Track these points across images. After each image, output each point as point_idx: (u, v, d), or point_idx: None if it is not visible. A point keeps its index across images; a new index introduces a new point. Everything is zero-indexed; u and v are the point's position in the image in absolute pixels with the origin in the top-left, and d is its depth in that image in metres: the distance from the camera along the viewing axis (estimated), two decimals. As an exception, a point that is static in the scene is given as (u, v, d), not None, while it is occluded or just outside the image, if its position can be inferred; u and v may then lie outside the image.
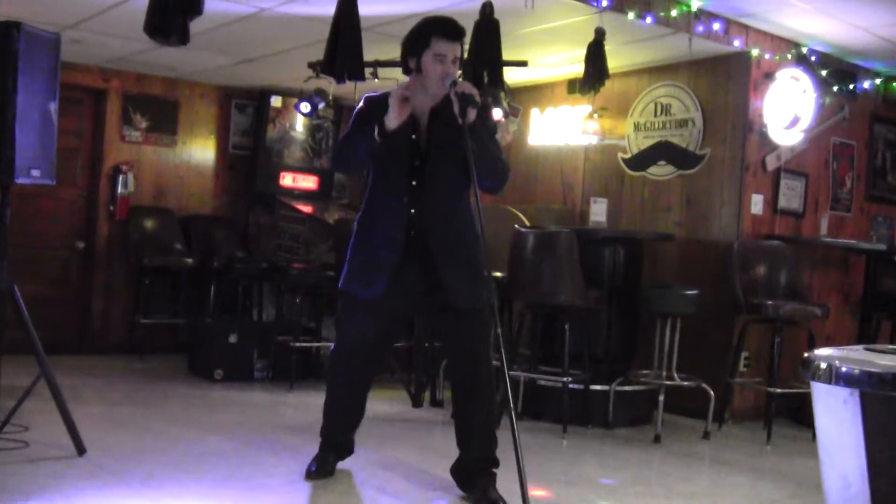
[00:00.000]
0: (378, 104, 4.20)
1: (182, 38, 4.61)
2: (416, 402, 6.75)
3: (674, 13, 6.14)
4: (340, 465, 4.60)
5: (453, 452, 4.36)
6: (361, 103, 4.31)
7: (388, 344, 4.91)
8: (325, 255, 8.28)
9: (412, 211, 4.15)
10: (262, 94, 9.09)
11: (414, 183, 4.15)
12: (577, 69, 6.38)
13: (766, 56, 6.81)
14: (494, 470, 4.24)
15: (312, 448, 4.61)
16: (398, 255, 4.16)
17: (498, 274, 6.44)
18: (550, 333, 6.42)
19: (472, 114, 3.94)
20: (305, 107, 7.75)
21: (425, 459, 5.08)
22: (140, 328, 8.45)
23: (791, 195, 7.10)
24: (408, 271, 4.18)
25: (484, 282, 4.16)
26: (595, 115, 7.53)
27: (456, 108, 3.94)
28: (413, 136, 4.17)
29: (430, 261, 4.14)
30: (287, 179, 9.21)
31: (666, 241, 6.93)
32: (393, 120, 4.05)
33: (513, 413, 3.72)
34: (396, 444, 5.47)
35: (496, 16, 5.52)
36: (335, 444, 4.57)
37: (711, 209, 6.93)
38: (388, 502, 4.27)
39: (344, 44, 5.11)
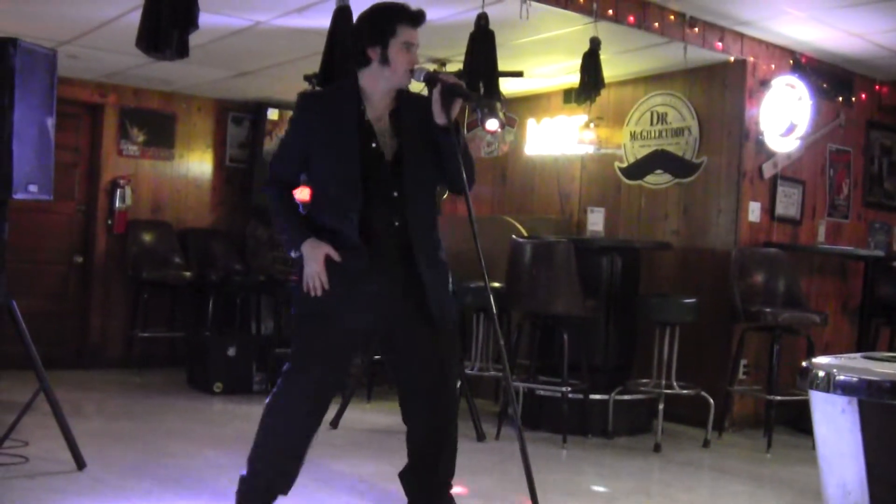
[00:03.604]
0: (319, 103, 3.79)
1: (180, 52, 4.59)
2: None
3: (669, 22, 6.15)
4: (340, 477, 4.58)
5: (456, 465, 4.31)
6: (298, 105, 3.82)
7: (347, 375, 4.29)
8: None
9: (396, 224, 3.66)
10: (259, 107, 9.10)
11: (395, 193, 3.66)
12: (573, 79, 6.38)
13: (762, 64, 6.82)
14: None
15: (312, 460, 4.58)
16: (383, 273, 3.67)
17: (496, 284, 6.45)
18: (549, 343, 6.42)
19: (456, 106, 3.58)
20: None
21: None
22: (138, 342, 8.44)
23: (788, 202, 7.11)
24: (387, 290, 3.68)
25: (453, 295, 3.89)
26: (591, 125, 7.55)
27: (438, 105, 3.56)
28: (374, 145, 3.68)
29: (413, 276, 3.67)
30: (284, 192, 9.18)
31: (663, 249, 6.92)
32: (311, 267, 3.62)
33: (519, 422, 3.63)
34: (397, 457, 5.45)
35: (491, 27, 5.52)
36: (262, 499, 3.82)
37: (709, 217, 6.94)
38: (389, 514, 4.26)
39: (339, 56, 5.11)
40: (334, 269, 3.63)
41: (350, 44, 3.85)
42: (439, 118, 3.59)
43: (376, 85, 3.70)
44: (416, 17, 3.66)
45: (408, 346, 3.79)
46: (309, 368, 3.72)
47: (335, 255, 3.61)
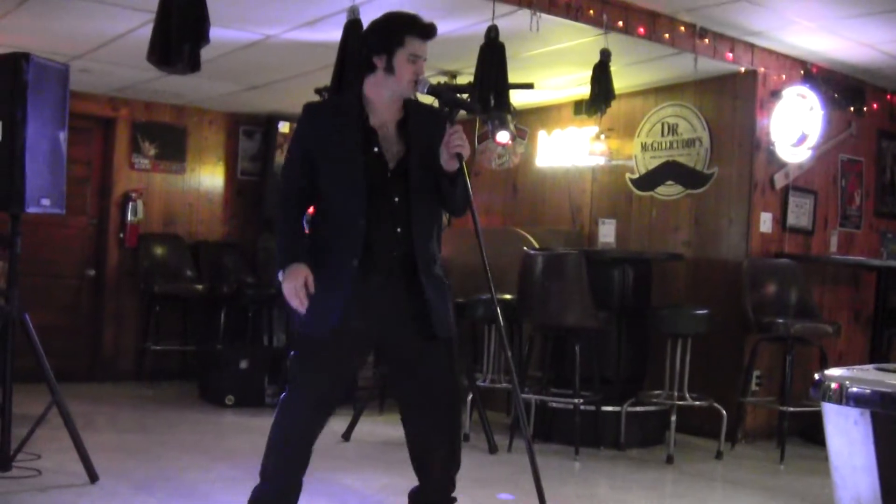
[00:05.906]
0: (323, 112, 3.80)
1: (192, 66, 4.59)
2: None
3: (679, 33, 6.15)
4: (351, 491, 4.58)
5: (468, 477, 4.31)
6: (302, 116, 3.76)
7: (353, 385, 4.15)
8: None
9: (398, 230, 3.63)
10: (270, 120, 9.13)
11: (397, 199, 3.63)
12: (584, 90, 6.39)
13: (773, 74, 6.82)
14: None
15: (324, 473, 4.59)
16: (383, 280, 3.63)
17: (507, 296, 6.44)
18: (561, 355, 6.41)
19: (465, 152, 3.57)
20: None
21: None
22: (150, 355, 8.46)
23: (800, 213, 7.09)
24: (386, 298, 3.64)
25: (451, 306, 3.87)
26: (602, 136, 7.55)
27: (447, 153, 3.55)
28: (375, 149, 3.64)
29: (414, 285, 3.63)
30: (295, 204, 9.20)
31: (675, 260, 6.91)
32: (290, 282, 3.54)
33: (528, 434, 3.64)
34: (409, 470, 5.43)
35: (501, 39, 5.53)
36: None
37: (720, 228, 6.92)
38: (401, 527, 4.25)
39: (350, 69, 5.13)
40: (335, 280, 3.57)
41: (357, 48, 3.81)
42: (448, 165, 3.57)
43: (380, 93, 3.68)
44: (427, 30, 3.63)
45: (410, 357, 3.73)
46: (312, 380, 3.67)
47: (311, 286, 3.54)
